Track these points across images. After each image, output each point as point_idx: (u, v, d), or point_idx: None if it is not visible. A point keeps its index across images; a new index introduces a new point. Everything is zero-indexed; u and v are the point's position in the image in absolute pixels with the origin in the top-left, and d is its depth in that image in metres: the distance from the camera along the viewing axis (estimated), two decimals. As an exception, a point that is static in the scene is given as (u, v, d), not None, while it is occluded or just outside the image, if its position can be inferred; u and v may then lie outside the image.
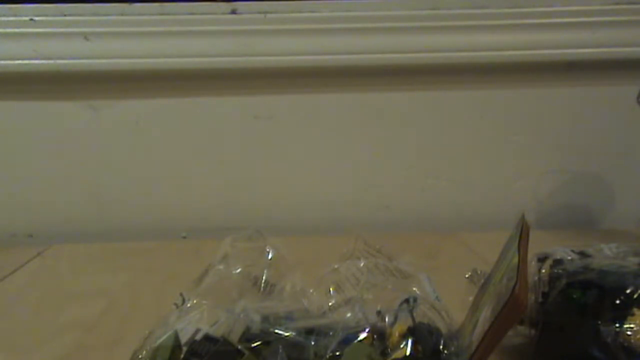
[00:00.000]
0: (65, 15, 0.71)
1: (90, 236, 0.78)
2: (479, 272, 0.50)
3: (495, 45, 0.73)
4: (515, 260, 0.29)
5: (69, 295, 0.56)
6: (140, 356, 0.31)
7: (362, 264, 0.40)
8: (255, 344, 0.31)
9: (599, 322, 0.34)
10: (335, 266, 0.41)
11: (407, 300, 0.33)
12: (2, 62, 0.70)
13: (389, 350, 0.30)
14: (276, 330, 0.32)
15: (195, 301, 0.35)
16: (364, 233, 0.45)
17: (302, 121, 0.78)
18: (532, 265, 0.40)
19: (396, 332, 0.31)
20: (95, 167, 0.78)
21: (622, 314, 0.34)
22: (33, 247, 0.70)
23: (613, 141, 0.80)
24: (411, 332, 0.31)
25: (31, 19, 0.70)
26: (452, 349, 0.30)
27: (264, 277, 0.41)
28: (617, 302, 0.35)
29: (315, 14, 0.72)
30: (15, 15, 0.70)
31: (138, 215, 0.79)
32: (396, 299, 0.34)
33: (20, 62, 0.71)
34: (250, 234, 0.44)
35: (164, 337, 0.32)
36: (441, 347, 0.30)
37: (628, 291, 0.35)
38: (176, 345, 0.31)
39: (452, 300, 0.36)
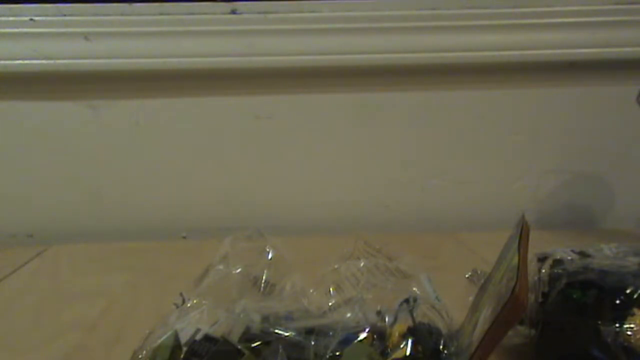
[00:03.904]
0: (65, 15, 0.71)
1: (90, 236, 0.78)
2: (479, 272, 0.50)
3: (495, 45, 0.73)
4: (515, 260, 0.29)
5: (69, 295, 0.56)
6: (140, 356, 0.31)
7: (362, 264, 0.40)
8: (255, 344, 0.30)
9: (599, 322, 0.34)
10: (335, 266, 0.41)
11: (407, 300, 0.33)
12: (2, 62, 0.71)
13: (389, 350, 0.30)
14: (276, 330, 0.31)
15: (195, 301, 0.35)
16: (364, 233, 0.45)
17: (302, 121, 0.78)
18: (532, 265, 0.40)
19: (396, 332, 0.31)
20: (95, 167, 0.78)
21: (622, 314, 0.34)
22: (33, 247, 0.70)
23: (613, 141, 0.80)
24: (411, 332, 0.31)
25: (31, 19, 0.70)
26: (452, 349, 0.30)
27: (264, 277, 0.41)
28: (617, 302, 0.35)
29: (315, 14, 0.72)
30: (15, 15, 0.70)
31: (138, 215, 0.79)
32: (396, 299, 0.34)
33: (20, 62, 0.71)
34: (250, 234, 0.44)
35: (164, 337, 0.31)
36: (441, 347, 0.30)
37: (628, 291, 0.35)
38: (176, 345, 0.31)
39: (452, 300, 0.36)
